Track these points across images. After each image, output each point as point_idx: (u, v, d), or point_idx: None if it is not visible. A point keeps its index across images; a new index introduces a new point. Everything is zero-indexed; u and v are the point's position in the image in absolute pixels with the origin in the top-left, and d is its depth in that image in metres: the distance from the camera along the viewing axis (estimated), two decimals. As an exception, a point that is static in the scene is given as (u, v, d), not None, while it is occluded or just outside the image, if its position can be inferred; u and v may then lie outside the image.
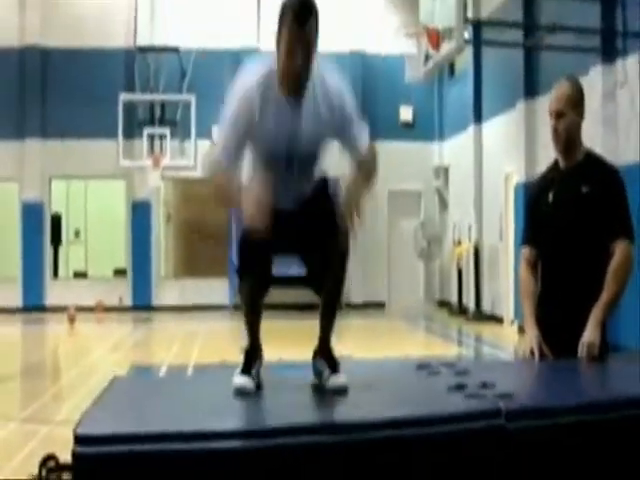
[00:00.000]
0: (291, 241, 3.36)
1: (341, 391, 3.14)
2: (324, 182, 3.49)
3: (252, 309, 3.40)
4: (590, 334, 3.74)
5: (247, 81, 3.29)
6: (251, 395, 3.12)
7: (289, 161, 3.26)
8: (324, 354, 3.35)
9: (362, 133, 3.41)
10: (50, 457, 2.85)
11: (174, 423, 2.71)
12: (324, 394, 3.16)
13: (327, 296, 3.40)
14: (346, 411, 2.93)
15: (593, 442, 2.83)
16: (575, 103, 3.90)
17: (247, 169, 3.38)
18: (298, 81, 3.18)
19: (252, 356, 3.33)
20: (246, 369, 3.26)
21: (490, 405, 2.79)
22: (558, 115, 3.89)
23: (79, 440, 2.50)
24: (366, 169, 3.48)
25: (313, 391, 3.26)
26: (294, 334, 14.27)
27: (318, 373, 3.32)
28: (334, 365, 3.28)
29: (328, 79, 3.30)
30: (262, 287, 3.37)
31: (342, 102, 3.29)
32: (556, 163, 4.05)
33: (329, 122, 3.26)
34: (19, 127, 19.48)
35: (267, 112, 3.18)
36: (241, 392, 3.14)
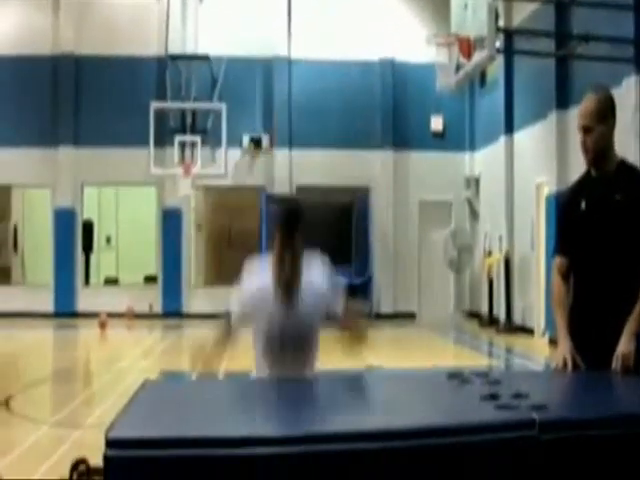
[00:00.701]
0: None
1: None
2: None
3: None
4: (624, 345, 3.69)
5: (255, 269, 4.00)
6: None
7: (282, 345, 3.87)
8: None
9: (338, 299, 4.00)
10: (81, 461, 2.87)
11: (205, 428, 2.71)
12: (356, 402, 3.14)
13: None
14: (377, 419, 2.91)
15: (627, 455, 2.78)
16: (602, 116, 3.87)
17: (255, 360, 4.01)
18: (288, 290, 3.83)
19: None
20: None
21: (524, 416, 2.76)
22: (585, 130, 3.88)
23: (110, 443, 2.51)
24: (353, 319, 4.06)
25: (345, 399, 3.24)
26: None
27: None
28: None
29: (314, 271, 3.93)
30: None
31: (324, 287, 3.93)
32: (588, 172, 4.02)
33: (315, 313, 3.90)
34: (52, 134, 19.67)
35: (264, 310, 3.85)
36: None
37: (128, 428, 2.68)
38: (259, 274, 3.94)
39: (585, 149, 3.90)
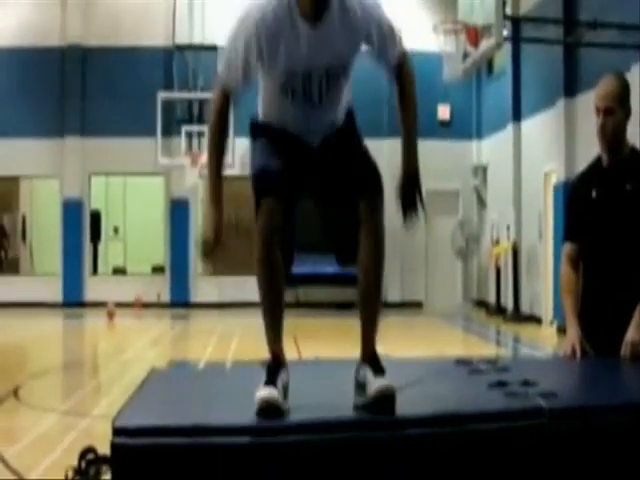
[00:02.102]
0: (313, 186, 3.01)
1: (388, 396, 2.70)
2: (351, 120, 3.10)
3: (271, 293, 2.87)
4: (634, 333, 3.67)
5: (260, 3, 2.93)
6: (278, 410, 2.68)
7: (306, 86, 2.92)
8: (367, 358, 2.90)
9: (391, 45, 3.01)
10: (89, 449, 2.87)
11: (211, 416, 2.71)
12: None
13: (365, 281, 2.91)
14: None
15: (636, 443, 2.77)
16: (623, 100, 3.82)
17: (262, 104, 3.10)
18: (315, 7, 2.83)
19: (276, 370, 2.85)
20: (271, 381, 2.79)
21: (533, 404, 2.75)
22: (606, 112, 3.80)
23: (117, 431, 2.51)
24: (409, 108, 3.07)
25: (350, 387, 3.23)
26: (331, 332, 14.27)
27: (359, 385, 2.88)
28: (379, 369, 2.82)
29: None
30: (282, 250, 2.85)
31: (366, 15, 2.92)
32: (599, 160, 3.98)
33: (350, 39, 2.91)
34: (60, 125, 19.69)
35: (281, 32, 2.84)
36: (266, 406, 2.65)
37: (135, 416, 2.69)
38: (260, 11, 2.90)
39: (603, 133, 3.81)
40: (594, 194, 3.91)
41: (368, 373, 2.83)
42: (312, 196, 3.07)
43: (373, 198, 2.92)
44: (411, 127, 3.04)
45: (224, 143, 3.09)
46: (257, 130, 3.17)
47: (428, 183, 17.15)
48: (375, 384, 2.75)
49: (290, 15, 2.85)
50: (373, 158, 3.02)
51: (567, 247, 4.03)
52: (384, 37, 2.98)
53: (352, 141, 3.06)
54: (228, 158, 18.24)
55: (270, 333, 2.94)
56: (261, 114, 3.15)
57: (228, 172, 14.68)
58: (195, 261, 20.10)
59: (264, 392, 2.71)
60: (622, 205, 3.82)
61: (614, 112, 3.80)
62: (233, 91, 3.03)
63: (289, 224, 2.92)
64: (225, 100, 3.04)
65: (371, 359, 2.89)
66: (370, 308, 2.97)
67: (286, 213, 2.85)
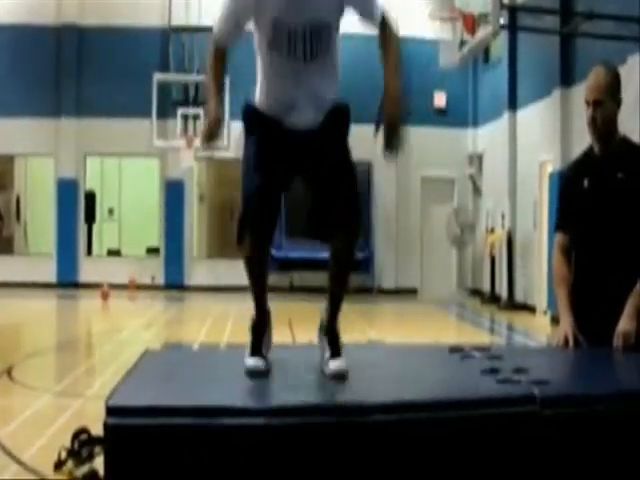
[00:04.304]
0: (298, 169, 3.16)
1: (340, 377, 2.99)
2: (339, 109, 3.22)
3: (257, 267, 3.22)
4: (626, 323, 3.69)
5: None
6: (264, 376, 3.05)
7: (292, 43, 3.08)
8: (327, 332, 3.20)
9: (373, 4, 3.18)
10: (82, 430, 2.89)
11: (205, 397, 2.73)
12: (357, 375, 3.15)
13: (336, 256, 3.15)
14: (378, 393, 2.92)
15: (627, 431, 2.80)
16: (613, 91, 3.83)
17: (258, 79, 3.26)
18: None
19: (260, 331, 3.21)
20: (256, 348, 3.16)
21: (524, 391, 2.77)
22: (596, 104, 3.82)
23: (110, 411, 2.53)
24: (391, 51, 3.26)
25: (348, 372, 3.25)
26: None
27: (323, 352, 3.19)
28: (336, 348, 3.12)
29: None
30: (267, 235, 3.16)
31: None
32: (591, 149, 3.99)
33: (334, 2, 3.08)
34: (55, 104, 19.63)
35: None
36: (254, 374, 3.04)
37: (128, 396, 2.70)
38: None
39: (594, 124, 3.84)
40: (586, 184, 3.92)
41: (326, 352, 3.14)
42: (299, 180, 3.23)
43: (350, 241, 3.15)
44: (395, 63, 3.26)
45: (223, 78, 3.39)
46: (249, 119, 3.31)
47: (423, 170, 17.13)
48: (331, 366, 3.06)
49: None
50: (356, 180, 3.15)
51: (559, 237, 4.05)
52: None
53: (340, 152, 3.17)
54: (223, 141, 18.28)
55: (256, 287, 3.27)
56: (257, 92, 3.28)
57: (223, 155, 14.77)
58: (190, 243, 20.11)
59: (251, 362, 3.09)
60: (614, 194, 3.84)
61: (603, 104, 3.81)
62: (226, 44, 3.26)
63: (275, 207, 3.15)
64: (219, 53, 3.29)
65: (331, 336, 3.18)
66: (338, 283, 3.23)
67: (273, 213, 3.14)
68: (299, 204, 3.28)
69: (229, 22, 3.18)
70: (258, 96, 3.26)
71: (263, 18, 3.08)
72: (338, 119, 3.21)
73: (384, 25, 3.21)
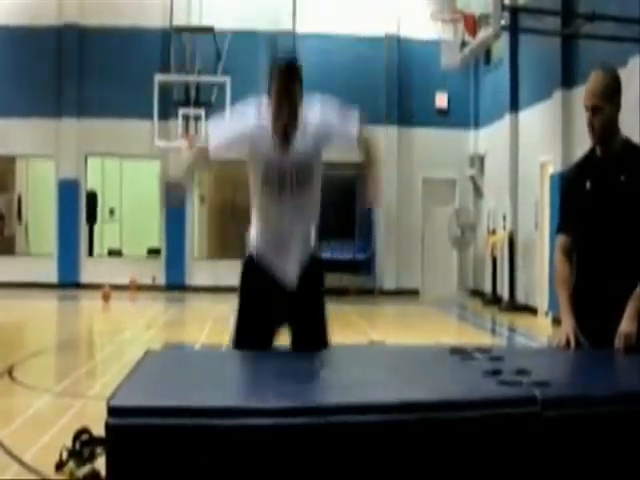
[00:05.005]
0: (283, 313, 3.92)
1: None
2: (315, 264, 3.97)
3: None
4: (627, 324, 3.69)
5: (251, 105, 3.87)
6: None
7: (281, 187, 3.79)
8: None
9: (349, 126, 3.87)
10: (83, 430, 2.89)
11: (206, 398, 2.73)
12: (358, 375, 3.15)
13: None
14: (380, 393, 2.92)
15: (628, 433, 2.80)
16: (611, 95, 3.84)
17: (252, 190, 3.93)
18: (285, 138, 3.75)
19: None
20: None
21: (526, 392, 2.77)
22: (594, 110, 3.84)
23: (112, 411, 2.53)
24: (367, 154, 3.90)
25: (347, 372, 3.25)
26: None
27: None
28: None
29: (310, 113, 3.82)
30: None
31: (324, 120, 3.82)
32: (592, 151, 4.00)
33: (314, 152, 3.81)
34: (56, 105, 19.63)
35: (260, 144, 3.76)
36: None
37: (130, 396, 2.70)
38: (254, 116, 3.84)
39: (592, 129, 3.87)
40: (588, 185, 3.93)
41: None
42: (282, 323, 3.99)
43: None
44: (373, 174, 3.88)
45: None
46: (247, 270, 4.12)
47: (425, 171, 17.13)
48: None
49: (271, 138, 3.75)
50: (327, 324, 4.00)
51: (561, 238, 4.05)
52: (342, 131, 3.86)
53: (315, 306, 3.98)
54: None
55: None
56: (252, 232, 4.03)
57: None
58: (191, 244, 20.12)
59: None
60: (616, 196, 3.84)
61: (602, 109, 3.83)
62: (217, 157, 3.89)
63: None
64: (204, 155, 3.92)
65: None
66: None
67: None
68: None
69: (226, 146, 3.87)
70: (254, 238, 4.00)
71: (257, 158, 3.80)
72: (314, 276, 3.98)
73: (362, 141, 3.89)
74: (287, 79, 3.75)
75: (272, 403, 2.70)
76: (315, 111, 3.86)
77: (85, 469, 2.77)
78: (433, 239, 19.89)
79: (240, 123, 3.82)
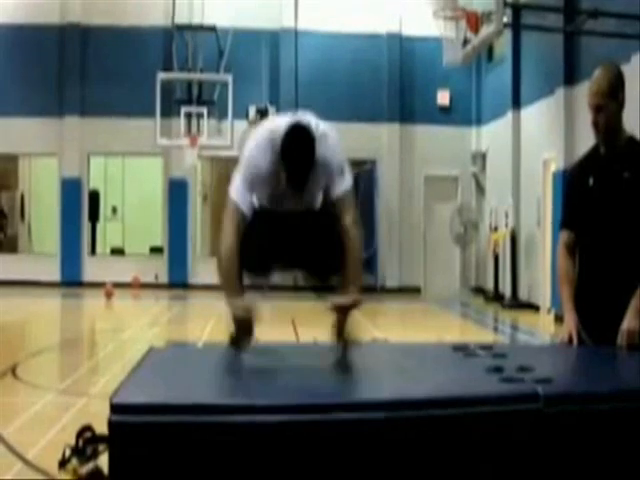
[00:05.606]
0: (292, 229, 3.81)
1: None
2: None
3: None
4: (630, 321, 3.69)
5: (262, 154, 3.69)
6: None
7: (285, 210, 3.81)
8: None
9: (337, 184, 3.71)
10: (87, 428, 2.88)
11: (209, 395, 2.73)
12: (362, 372, 3.15)
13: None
14: (383, 390, 2.92)
15: (630, 430, 2.80)
16: (613, 93, 3.84)
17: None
18: (297, 191, 3.63)
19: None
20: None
21: (528, 389, 2.77)
22: (597, 109, 3.84)
23: (115, 409, 2.53)
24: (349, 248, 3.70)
25: (350, 369, 3.26)
26: (330, 316, 14.28)
27: None
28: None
29: (322, 162, 3.56)
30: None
31: (326, 165, 3.62)
32: (596, 148, 4.00)
33: (319, 187, 3.73)
34: (59, 104, 19.65)
35: (273, 186, 3.66)
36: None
37: (133, 394, 2.70)
38: (266, 170, 3.65)
39: (596, 128, 3.87)
40: (591, 182, 3.93)
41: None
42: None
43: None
44: (353, 279, 3.74)
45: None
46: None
47: (427, 169, 17.15)
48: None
49: (284, 186, 3.59)
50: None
51: (564, 235, 4.05)
52: (334, 181, 3.70)
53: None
54: (226, 140, 18.28)
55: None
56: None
57: (226, 153, 14.79)
58: (193, 242, 20.14)
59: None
60: (619, 193, 3.84)
61: (605, 108, 3.83)
62: (245, 214, 3.69)
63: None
64: (242, 219, 3.69)
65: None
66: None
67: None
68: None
69: (251, 202, 3.74)
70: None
71: (266, 195, 3.76)
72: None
73: (340, 208, 3.70)
74: (300, 173, 3.49)
75: (276, 400, 2.70)
76: (326, 158, 3.59)
77: (88, 467, 2.77)
78: (435, 236, 19.88)
79: (257, 178, 3.70)
